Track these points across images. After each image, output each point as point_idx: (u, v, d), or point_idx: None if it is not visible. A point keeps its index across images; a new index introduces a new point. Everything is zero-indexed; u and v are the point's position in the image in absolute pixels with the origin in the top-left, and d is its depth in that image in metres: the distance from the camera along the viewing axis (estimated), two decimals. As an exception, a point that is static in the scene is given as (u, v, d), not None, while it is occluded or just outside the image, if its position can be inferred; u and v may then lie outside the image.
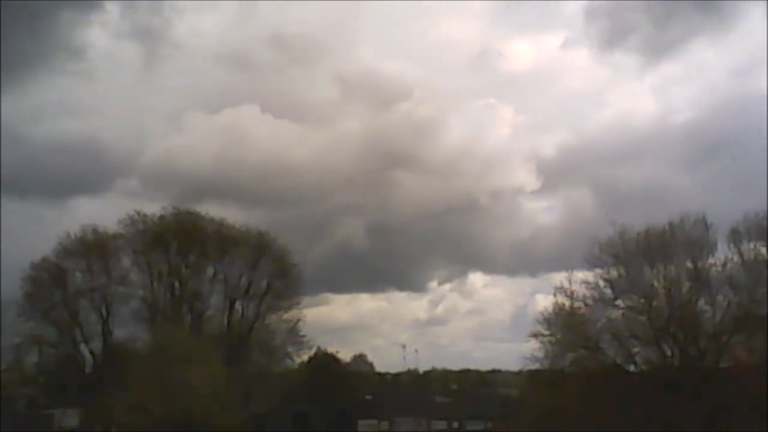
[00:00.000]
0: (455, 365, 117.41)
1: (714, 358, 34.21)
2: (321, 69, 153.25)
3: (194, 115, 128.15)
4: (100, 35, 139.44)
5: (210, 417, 37.69)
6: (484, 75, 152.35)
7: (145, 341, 48.13)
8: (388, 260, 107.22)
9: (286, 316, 53.32)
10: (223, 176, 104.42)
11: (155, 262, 52.11)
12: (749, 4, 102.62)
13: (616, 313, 36.19)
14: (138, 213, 53.23)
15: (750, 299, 33.36)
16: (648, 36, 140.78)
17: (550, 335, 36.80)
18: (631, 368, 36.27)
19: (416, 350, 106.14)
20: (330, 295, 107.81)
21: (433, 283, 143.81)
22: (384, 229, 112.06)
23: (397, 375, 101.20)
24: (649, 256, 35.43)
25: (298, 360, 57.43)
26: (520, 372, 46.08)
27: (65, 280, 51.55)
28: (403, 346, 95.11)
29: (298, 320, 53.54)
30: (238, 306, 53.35)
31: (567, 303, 36.87)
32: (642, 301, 35.27)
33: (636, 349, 35.93)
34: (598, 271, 36.35)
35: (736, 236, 34.44)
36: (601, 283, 36.24)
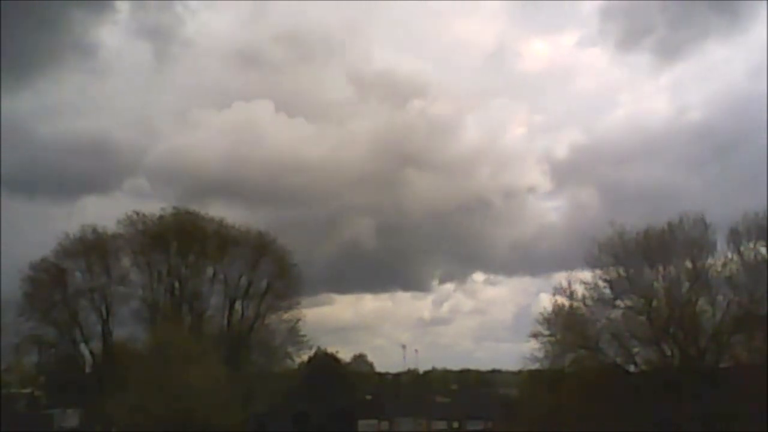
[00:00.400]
0: (458, 365, 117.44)
1: (714, 358, 34.22)
2: (334, 68, 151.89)
3: (204, 113, 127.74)
4: (111, 34, 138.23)
5: (210, 417, 37.65)
6: (499, 75, 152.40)
7: (145, 341, 48.03)
8: (394, 260, 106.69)
9: (286, 316, 53.30)
10: (233, 175, 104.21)
11: (155, 262, 52.04)
12: (763, 5, 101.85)
13: (616, 313, 36.24)
14: (138, 213, 53.19)
15: (750, 299, 33.37)
16: (662, 36, 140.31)
17: (550, 335, 36.82)
18: (631, 368, 36.29)
19: (416, 350, 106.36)
20: (334, 295, 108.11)
21: (438, 283, 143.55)
22: (393, 229, 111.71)
23: (397, 375, 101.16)
24: (649, 256, 35.44)
25: (298, 360, 57.40)
26: (520, 372, 46.10)
27: (65, 280, 51.45)
28: (403, 346, 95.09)
29: (298, 320, 53.53)
30: (238, 306, 53.29)
31: (567, 303, 36.91)
32: (642, 301, 35.28)
33: (636, 349, 35.98)
34: (598, 271, 36.40)
35: (735, 236, 34.45)
36: (601, 283, 36.30)
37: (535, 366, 37.75)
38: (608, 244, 36.14)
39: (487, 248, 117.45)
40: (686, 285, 34.91)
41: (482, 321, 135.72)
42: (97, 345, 52.11)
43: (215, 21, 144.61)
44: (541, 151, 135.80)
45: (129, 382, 38.95)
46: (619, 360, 36.26)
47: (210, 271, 53.10)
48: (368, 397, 73.08)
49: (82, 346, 51.87)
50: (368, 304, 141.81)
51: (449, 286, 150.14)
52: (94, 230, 52.24)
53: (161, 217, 53.05)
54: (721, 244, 34.89)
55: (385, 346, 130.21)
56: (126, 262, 52.66)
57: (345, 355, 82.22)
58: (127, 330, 51.84)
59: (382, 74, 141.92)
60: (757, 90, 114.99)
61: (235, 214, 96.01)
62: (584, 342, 35.99)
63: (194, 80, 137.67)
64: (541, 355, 36.90)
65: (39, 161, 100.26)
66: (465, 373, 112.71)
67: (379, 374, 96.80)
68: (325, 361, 69.45)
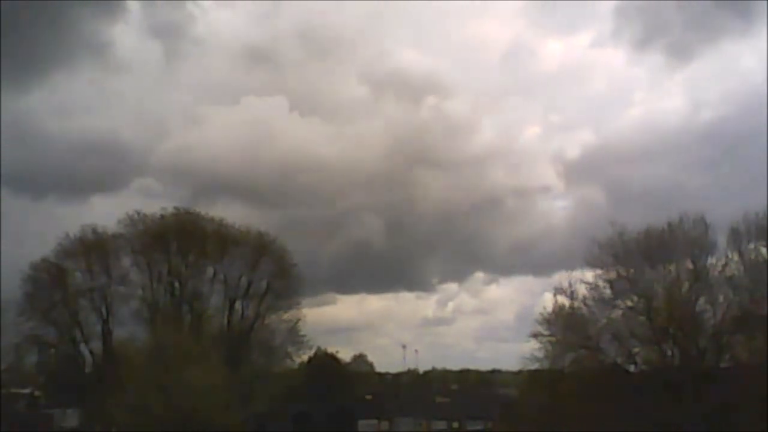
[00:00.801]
0: (461, 365, 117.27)
1: (714, 358, 34.20)
2: (348, 66, 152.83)
3: (215, 112, 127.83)
4: (122, 33, 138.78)
5: (210, 417, 37.65)
6: (514, 74, 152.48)
7: (145, 341, 48.00)
8: (400, 260, 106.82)
9: (286, 316, 53.35)
10: (242, 173, 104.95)
11: (155, 262, 52.04)
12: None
13: (616, 313, 36.18)
14: (138, 213, 53.22)
15: (750, 299, 33.35)
16: (677, 36, 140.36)
17: (550, 335, 36.81)
18: (631, 368, 36.26)
19: (416, 350, 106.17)
20: (338, 295, 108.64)
21: (443, 283, 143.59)
22: (402, 229, 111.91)
23: (397, 375, 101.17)
24: (649, 256, 35.41)
25: (298, 360, 57.43)
26: (520, 372, 46.09)
27: (65, 280, 51.46)
28: (404, 346, 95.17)
29: (298, 320, 53.56)
30: (238, 306, 53.29)
31: (567, 303, 36.90)
32: (642, 301, 35.24)
33: (636, 349, 35.93)
34: (598, 271, 36.38)
35: (736, 236, 34.44)
36: (601, 283, 36.26)
37: (535, 366, 37.74)
38: (608, 244, 36.12)
39: (493, 248, 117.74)
40: (686, 285, 34.87)
41: (486, 321, 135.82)
42: (97, 345, 52.14)
43: (227, 19, 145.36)
44: (554, 151, 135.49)
45: (129, 382, 38.91)
46: (619, 360, 36.24)
47: (210, 271, 53.15)
48: (368, 397, 73.01)
49: (82, 346, 51.92)
50: (372, 304, 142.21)
51: (454, 286, 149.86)
52: (95, 230, 52.31)
53: (161, 217, 53.10)
54: (722, 244, 34.94)
55: (388, 346, 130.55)
56: (126, 262, 52.75)
57: (346, 355, 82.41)
58: (127, 330, 51.89)
59: (396, 73, 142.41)
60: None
61: (243, 213, 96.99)
62: (584, 342, 35.98)
63: (206, 79, 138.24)
64: (541, 355, 36.92)
65: (49, 160, 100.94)
66: (465, 373, 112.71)
67: (379, 374, 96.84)
68: (325, 361, 69.47)
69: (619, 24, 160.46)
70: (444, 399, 74.98)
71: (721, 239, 34.83)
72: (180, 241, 52.27)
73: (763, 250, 34.10)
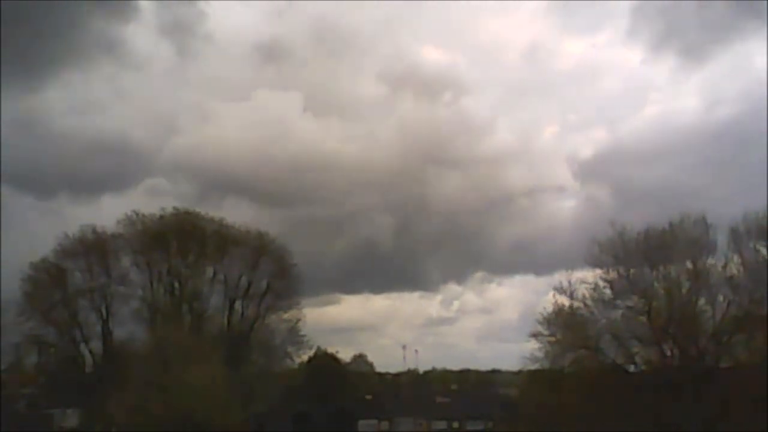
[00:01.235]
0: (464, 365, 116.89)
1: (714, 358, 34.16)
2: (363, 64, 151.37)
3: (227, 111, 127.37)
4: (135, 31, 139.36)
5: (210, 417, 37.67)
6: (532, 73, 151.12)
7: (145, 341, 48.05)
8: (407, 260, 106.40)
9: (286, 316, 53.42)
10: (253, 172, 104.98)
11: (155, 262, 52.09)
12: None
13: (616, 313, 36.16)
14: (137, 213, 53.29)
15: (750, 299, 33.31)
16: (693, 36, 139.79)
17: (550, 335, 36.79)
18: (631, 368, 36.22)
19: (416, 350, 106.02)
20: (342, 295, 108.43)
21: (448, 283, 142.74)
22: (412, 228, 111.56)
23: (397, 375, 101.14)
24: (649, 257, 35.38)
25: (298, 360, 57.50)
26: (520, 372, 46.05)
27: (65, 280, 51.50)
28: (404, 346, 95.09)
29: (298, 320, 53.64)
30: (238, 306, 53.40)
31: (567, 303, 36.88)
32: (642, 301, 35.21)
33: (636, 349, 35.88)
34: (598, 271, 36.35)
35: (736, 236, 34.43)
36: (601, 283, 36.23)
37: (535, 366, 37.70)
38: (608, 244, 36.10)
39: (500, 248, 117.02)
40: (686, 285, 34.86)
41: (490, 321, 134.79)
42: (97, 345, 52.23)
43: (240, 16, 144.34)
44: (569, 150, 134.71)
45: (129, 382, 38.94)
46: (619, 360, 36.20)
47: (210, 271, 53.26)
48: (368, 397, 73.03)
49: (82, 346, 52.01)
50: (376, 304, 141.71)
51: (459, 286, 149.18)
52: (94, 230, 52.34)
53: (161, 217, 53.15)
54: (722, 244, 34.91)
55: (390, 347, 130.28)
56: (126, 262, 52.84)
57: (347, 355, 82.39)
58: (127, 330, 51.99)
59: (413, 71, 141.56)
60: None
61: (251, 212, 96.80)
62: (584, 342, 35.95)
63: (218, 77, 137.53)
64: (541, 355, 36.88)
65: (59, 159, 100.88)
66: (465, 373, 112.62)
67: (379, 374, 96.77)
68: (325, 361, 69.46)
69: (635, 24, 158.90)
70: (444, 399, 74.96)
71: (722, 239, 34.86)
72: (180, 241, 52.31)
73: (763, 250, 34.09)
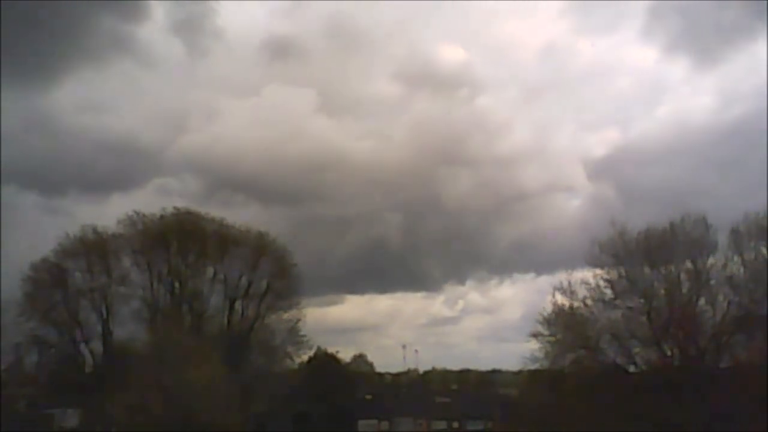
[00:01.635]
0: (466, 365, 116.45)
1: (714, 358, 34.18)
2: (377, 62, 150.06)
3: (237, 109, 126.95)
4: (146, 30, 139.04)
5: (210, 417, 37.66)
6: (547, 73, 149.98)
7: (145, 341, 48.08)
8: (414, 260, 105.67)
9: (286, 316, 53.42)
10: (264, 171, 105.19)
11: (155, 262, 52.11)
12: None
13: (616, 313, 36.17)
14: (138, 213, 53.31)
15: (750, 299, 33.35)
16: (708, 37, 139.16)
17: (551, 335, 36.79)
18: (631, 368, 36.23)
19: (416, 350, 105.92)
20: (347, 295, 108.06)
21: (452, 283, 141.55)
22: (421, 228, 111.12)
23: (397, 375, 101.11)
24: (650, 256, 35.39)
25: (298, 360, 57.50)
26: (520, 372, 46.07)
27: (65, 280, 51.50)
28: (404, 346, 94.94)
29: (298, 320, 53.64)
30: (238, 306, 53.40)
31: (568, 303, 36.88)
32: (642, 301, 35.24)
33: (636, 349, 35.90)
34: (599, 271, 36.35)
35: (736, 236, 34.43)
36: (601, 283, 36.24)
37: (535, 366, 37.72)
38: (609, 244, 36.13)
39: (506, 248, 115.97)
40: (687, 285, 34.88)
41: (494, 321, 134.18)
42: (97, 345, 52.24)
43: (251, 14, 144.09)
44: (582, 150, 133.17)
45: (129, 382, 38.92)
46: (619, 360, 36.22)
47: (210, 271, 53.24)
48: (368, 397, 73.03)
49: (82, 346, 52.05)
50: (380, 304, 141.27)
51: (464, 286, 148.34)
52: (95, 230, 52.35)
53: (162, 217, 53.16)
54: (723, 245, 34.91)
55: (392, 347, 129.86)
56: (126, 262, 52.84)
57: (348, 355, 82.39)
58: (127, 330, 51.95)
59: (427, 70, 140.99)
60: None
61: (259, 211, 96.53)
62: (584, 342, 35.96)
63: (228, 75, 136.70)
64: (541, 355, 36.90)
65: (69, 157, 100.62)
66: (465, 373, 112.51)
67: (379, 374, 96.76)
68: (325, 361, 69.43)
69: (651, 24, 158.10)
70: (444, 399, 74.90)
71: (722, 239, 34.87)
72: (180, 241, 52.33)
73: (763, 250, 34.09)
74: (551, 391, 36.67)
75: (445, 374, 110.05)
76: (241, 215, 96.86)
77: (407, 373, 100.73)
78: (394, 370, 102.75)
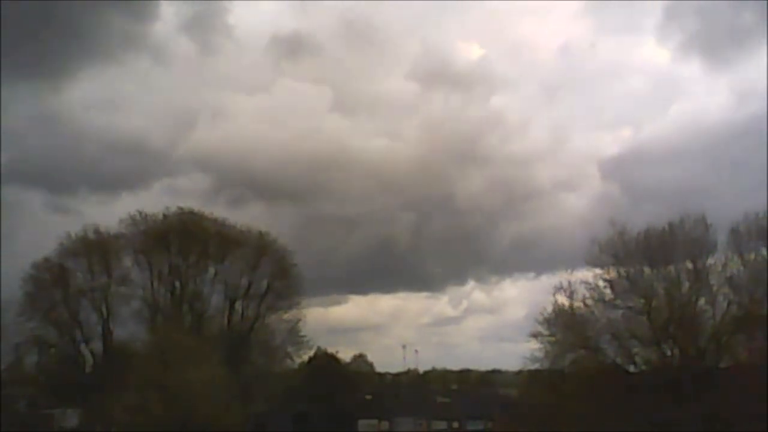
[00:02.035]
0: (469, 365, 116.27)
1: (714, 358, 34.20)
2: (392, 60, 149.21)
3: (248, 108, 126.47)
4: (157, 28, 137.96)
5: (210, 417, 37.68)
6: (562, 72, 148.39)
7: (145, 341, 48.08)
8: (420, 259, 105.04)
9: (286, 316, 53.43)
10: (273, 170, 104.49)
11: (156, 262, 52.09)
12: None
13: (616, 313, 36.18)
14: (139, 213, 53.32)
15: (750, 299, 33.34)
16: (724, 38, 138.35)
17: (550, 335, 36.81)
18: (631, 368, 36.25)
19: (416, 350, 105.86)
20: (351, 296, 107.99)
21: (456, 283, 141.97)
22: (429, 228, 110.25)
23: (397, 375, 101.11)
24: (650, 256, 35.40)
25: (298, 360, 57.51)
26: (520, 372, 46.09)
27: (66, 279, 51.48)
28: (404, 346, 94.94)
29: (299, 320, 53.66)
30: (238, 306, 53.36)
31: (568, 303, 36.90)
32: (642, 301, 35.24)
33: (636, 349, 35.92)
34: (598, 271, 36.37)
35: (736, 236, 34.44)
36: (601, 283, 36.25)
37: (536, 366, 37.75)
38: (608, 244, 36.14)
39: (511, 247, 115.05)
40: (686, 285, 34.88)
41: (497, 321, 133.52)
42: (97, 345, 52.18)
43: (263, 11, 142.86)
44: (594, 150, 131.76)
45: (129, 382, 38.94)
46: (619, 360, 36.25)
47: (211, 271, 53.22)
48: (368, 397, 73.02)
49: (83, 346, 51.99)
50: (384, 304, 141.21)
51: (468, 286, 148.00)
52: (96, 230, 52.35)
53: (163, 217, 53.18)
54: (722, 244, 34.92)
55: (395, 347, 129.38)
56: (127, 261, 52.82)
57: (348, 355, 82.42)
58: (128, 330, 51.94)
59: (442, 68, 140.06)
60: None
61: (267, 210, 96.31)
62: (584, 342, 35.98)
63: (239, 73, 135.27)
64: (541, 355, 36.92)
65: (78, 156, 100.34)
66: (465, 373, 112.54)
67: (379, 374, 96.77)
68: (325, 361, 69.46)
69: (668, 24, 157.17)
70: (444, 399, 74.93)
71: (722, 239, 34.87)
72: (181, 241, 52.34)
73: (763, 250, 34.10)
74: (551, 391, 36.66)
75: (446, 374, 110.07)
76: (248, 214, 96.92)
77: (407, 373, 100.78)
78: (395, 370, 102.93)
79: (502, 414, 52.75)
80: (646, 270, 35.52)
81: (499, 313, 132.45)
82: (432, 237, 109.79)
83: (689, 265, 34.84)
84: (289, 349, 54.26)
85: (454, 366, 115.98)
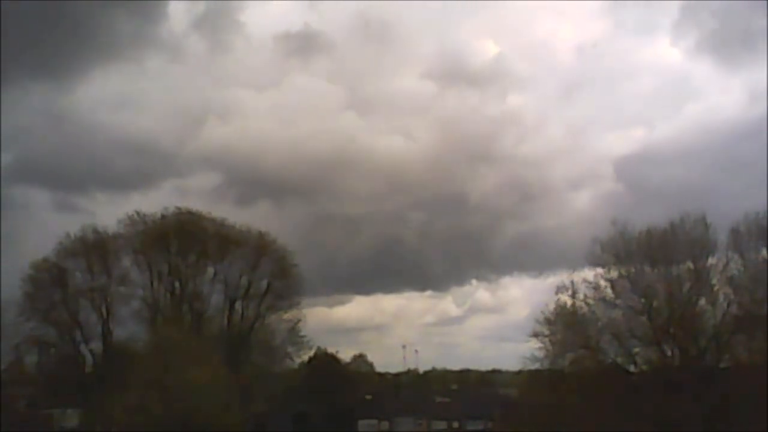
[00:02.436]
0: (471, 365, 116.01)
1: (714, 358, 34.21)
2: (408, 59, 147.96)
3: (259, 106, 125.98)
4: (168, 27, 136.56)
5: (210, 417, 37.66)
6: (578, 72, 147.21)
7: (145, 341, 48.05)
8: (427, 259, 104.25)
9: (286, 316, 53.42)
10: (284, 168, 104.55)
11: (156, 262, 52.05)
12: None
13: (616, 313, 36.18)
14: (138, 213, 53.27)
15: (750, 299, 33.33)
16: (743, 37, 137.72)
17: (551, 335, 36.80)
18: (631, 368, 36.27)
19: (416, 350, 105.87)
20: (355, 296, 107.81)
21: (460, 283, 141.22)
22: (436, 227, 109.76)
23: (397, 375, 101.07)
24: (650, 256, 35.40)
25: (298, 360, 57.51)
26: (520, 372, 46.07)
27: (65, 280, 51.42)
28: (404, 346, 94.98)
29: (299, 320, 53.65)
30: (238, 306, 53.37)
31: (568, 303, 36.89)
32: (642, 301, 35.25)
33: (636, 349, 35.94)
34: (599, 270, 36.37)
35: (737, 236, 34.43)
36: (602, 283, 36.25)
37: (536, 366, 37.74)
38: (609, 244, 36.14)
39: (517, 247, 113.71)
40: (687, 285, 34.88)
41: (501, 320, 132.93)
42: (97, 345, 52.14)
43: (276, 9, 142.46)
44: (607, 149, 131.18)
45: (129, 382, 38.92)
46: (619, 360, 36.25)
47: (210, 271, 53.21)
48: (368, 397, 73.03)
49: (82, 346, 51.91)
50: (388, 303, 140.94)
51: (472, 286, 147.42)
52: (95, 230, 52.32)
53: (162, 217, 53.11)
54: (723, 244, 34.90)
55: (397, 347, 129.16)
56: (127, 261, 52.75)
57: (349, 355, 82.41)
58: (127, 330, 51.90)
59: (458, 67, 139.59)
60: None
61: (274, 209, 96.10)
62: (584, 342, 35.98)
63: (250, 71, 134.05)
64: (541, 355, 36.93)
65: (88, 156, 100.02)
66: (465, 373, 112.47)
67: (379, 374, 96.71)
68: (325, 361, 69.47)
69: (684, 24, 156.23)
70: (444, 399, 74.96)
71: (722, 239, 34.86)
72: (181, 241, 52.30)
73: (764, 250, 34.11)
74: (551, 391, 36.63)
75: (446, 374, 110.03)
76: (256, 213, 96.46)
77: (407, 373, 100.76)
78: (395, 370, 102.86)
79: (502, 414, 52.77)
80: (647, 270, 35.53)
81: (503, 313, 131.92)
82: (439, 236, 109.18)
83: (690, 265, 34.85)
84: (289, 349, 54.32)
85: (456, 366, 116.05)
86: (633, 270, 35.67)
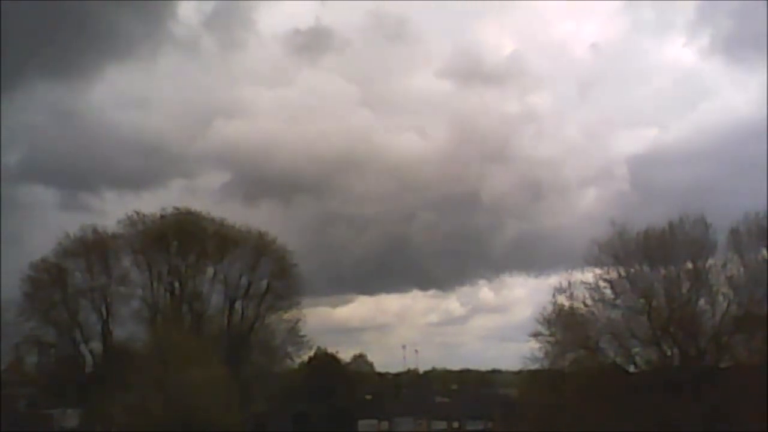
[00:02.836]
0: (470, 365, 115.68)
1: (714, 358, 34.21)
2: (424, 57, 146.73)
3: (270, 104, 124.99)
4: (178, 25, 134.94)
5: (210, 417, 37.67)
6: (594, 72, 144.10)
7: (145, 341, 48.07)
8: (432, 259, 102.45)
9: (286, 316, 53.43)
10: (294, 167, 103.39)
11: (155, 262, 52.09)
12: None
13: (616, 313, 36.19)
14: (138, 213, 53.31)
15: (750, 299, 33.35)
16: (755, 38, 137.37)
17: (551, 335, 36.81)
18: (631, 368, 36.27)
19: (416, 350, 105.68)
20: (358, 296, 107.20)
21: (463, 283, 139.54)
22: (444, 227, 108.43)
23: (397, 375, 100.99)
24: (650, 256, 35.41)
25: (298, 360, 57.54)
26: (520, 372, 46.07)
27: (65, 280, 51.46)
28: (404, 346, 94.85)
29: (298, 320, 53.67)
30: (238, 306, 53.41)
31: (568, 303, 36.90)
32: (642, 301, 35.25)
33: (636, 349, 35.94)
34: (598, 271, 36.37)
35: (736, 236, 34.43)
36: (601, 283, 36.25)
37: (535, 366, 37.75)
38: (608, 244, 36.14)
39: (522, 247, 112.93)
40: (686, 285, 34.89)
41: (503, 320, 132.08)
42: (97, 345, 52.21)
43: (289, 6, 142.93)
44: (620, 149, 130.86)
45: (129, 382, 38.93)
46: (619, 360, 36.27)
47: (210, 271, 53.23)
48: (368, 397, 73.03)
49: (82, 346, 52.00)
50: (391, 303, 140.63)
51: (476, 285, 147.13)
52: (95, 230, 52.35)
53: (162, 217, 53.15)
54: (722, 245, 34.90)
55: (398, 347, 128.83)
56: (126, 262, 52.79)
57: (349, 355, 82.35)
58: (127, 330, 51.95)
59: (473, 67, 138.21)
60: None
61: (280, 208, 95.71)
62: (584, 342, 35.98)
63: (260, 69, 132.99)
64: (541, 355, 36.94)
65: (97, 155, 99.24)
66: (465, 373, 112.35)
67: (379, 374, 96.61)
68: (325, 361, 69.46)
69: (699, 24, 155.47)
70: (444, 399, 74.98)
71: (722, 239, 34.86)
72: (180, 241, 52.34)
73: (764, 250, 34.11)
74: (551, 391, 36.65)
75: (446, 374, 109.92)
76: (262, 212, 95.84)
77: (407, 373, 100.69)
78: (396, 370, 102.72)
79: (502, 414, 52.79)
80: (646, 270, 35.54)
81: (506, 313, 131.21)
82: (447, 236, 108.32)
83: (689, 265, 34.86)
84: (289, 349, 54.37)
85: (458, 366, 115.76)
86: (632, 270, 35.68)
